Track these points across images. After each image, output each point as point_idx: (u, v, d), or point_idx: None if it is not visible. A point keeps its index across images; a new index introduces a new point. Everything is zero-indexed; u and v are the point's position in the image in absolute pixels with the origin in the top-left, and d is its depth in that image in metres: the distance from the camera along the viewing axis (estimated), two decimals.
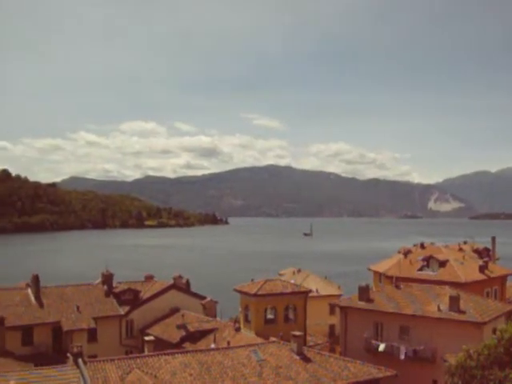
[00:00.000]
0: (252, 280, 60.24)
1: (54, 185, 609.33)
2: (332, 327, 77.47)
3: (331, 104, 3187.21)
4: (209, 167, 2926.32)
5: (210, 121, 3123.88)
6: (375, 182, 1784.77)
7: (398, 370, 43.40)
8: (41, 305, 56.53)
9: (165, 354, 40.20)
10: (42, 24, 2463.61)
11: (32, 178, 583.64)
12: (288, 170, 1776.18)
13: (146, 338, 47.37)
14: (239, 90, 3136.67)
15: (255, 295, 51.86)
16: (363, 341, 54.55)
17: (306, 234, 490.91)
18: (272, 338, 45.79)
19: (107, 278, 63.34)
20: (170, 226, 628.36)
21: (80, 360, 37.08)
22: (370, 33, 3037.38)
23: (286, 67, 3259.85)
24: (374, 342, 53.96)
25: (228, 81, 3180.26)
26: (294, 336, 43.18)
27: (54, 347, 53.92)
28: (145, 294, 63.47)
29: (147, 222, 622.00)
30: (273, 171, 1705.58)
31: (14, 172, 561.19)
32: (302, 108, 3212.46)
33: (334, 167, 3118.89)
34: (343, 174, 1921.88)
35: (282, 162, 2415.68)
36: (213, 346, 48.48)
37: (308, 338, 57.58)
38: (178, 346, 52.67)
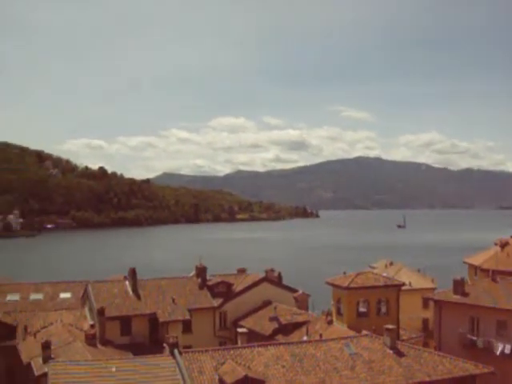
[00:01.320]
0: (344, 273, 59.80)
1: (147, 181, 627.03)
2: (425, 321, 75.93)
3: (421, 93, 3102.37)
4: (298, 160, 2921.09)
5: (298, 114, 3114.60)
6: (469, 172, 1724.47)
7: (496, 366, 41.94)
8: (138, 297, 58.47)
9: (258, 346, 40.71)
10: (137, 26, 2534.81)
11: (127, 175, 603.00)
12: (378, 161, 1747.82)
13: (239, 330, 48.12)
14: (327, 82, 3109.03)
15: (347, 288, 51.63)
16: (458, 336, 53.14)
17: (399, 226, 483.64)
18: (364, 332, 45.44)
19: (201, 271, 64.65)
20: (261, 219, 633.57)
21: (176, 350, 38.17)
22: (457, 19, 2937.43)
23: (373, 58, 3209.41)
24: (469, 337, 52.53)
25: (315, 73, 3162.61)
26: (387, 329, 42.70)
27: (151, 337, 55.61)
28: (237, 287, 64.29)
29: (239, 216, 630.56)
30: (362, 163, 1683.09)
31: (109, 169, 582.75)
32: (390, 98, 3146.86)
33: (426, 158, 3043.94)
34: (435, 165, 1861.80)
35: (372, 154, 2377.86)
36: (305, 338, 48.66)
37: (401, 332, 56.73)
38: (270, 338, 53.08)
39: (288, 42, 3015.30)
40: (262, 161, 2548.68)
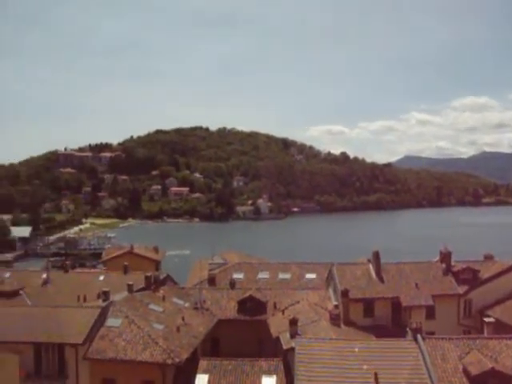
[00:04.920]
0: None
1: (389, 164, 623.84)
2: None
3: None
4: None
5: None
6: None
7: None
8: (381, 280, 58.93)
9: (506, 338, 38.75)
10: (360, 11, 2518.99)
11: (368, 159, 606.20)
12: None
13: (486, 320, 46.33)
14: None
15: None
16: None
17: None
18: None
19: (445, 256, 62.98)
20: (509, 203, 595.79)
21: (419, 335, 38.01)
22: None
23: None
24: None
25: None
26: None
27: (393, 321, 55.78)
28: (484, 274, 61.73)
29: (484, 200, 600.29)
30: None
31: (351, 154, 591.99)
32: None
33: None
34: None
35: None
36: None
37: None
38: None
39: None
40: (509, 141, 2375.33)
